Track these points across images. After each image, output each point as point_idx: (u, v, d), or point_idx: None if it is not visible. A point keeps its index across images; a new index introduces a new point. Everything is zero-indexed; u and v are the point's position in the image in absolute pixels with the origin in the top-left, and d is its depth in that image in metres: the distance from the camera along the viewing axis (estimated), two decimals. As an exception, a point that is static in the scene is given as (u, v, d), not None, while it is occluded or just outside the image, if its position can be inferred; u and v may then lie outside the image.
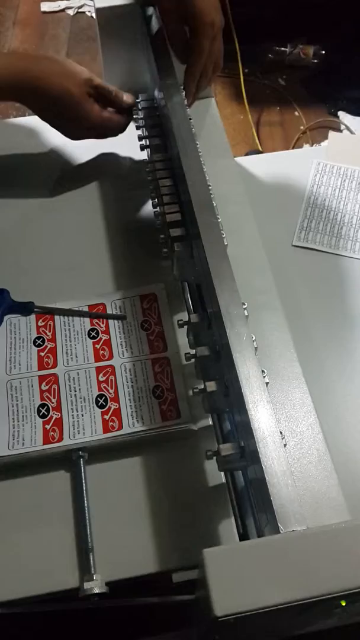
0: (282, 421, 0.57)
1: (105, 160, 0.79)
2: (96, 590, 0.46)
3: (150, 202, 0.68)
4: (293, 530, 0.37)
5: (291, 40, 1.53)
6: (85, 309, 0.62)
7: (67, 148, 0.80)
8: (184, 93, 0.64)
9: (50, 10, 1.72)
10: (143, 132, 0.66)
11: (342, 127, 1.42)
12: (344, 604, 0.38)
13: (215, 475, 0.53)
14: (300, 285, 0.71)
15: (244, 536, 0.51)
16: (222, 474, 0.53)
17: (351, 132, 1.40)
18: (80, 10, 1.71)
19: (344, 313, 0.69)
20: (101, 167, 0.78)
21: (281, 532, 0.37)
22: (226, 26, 1.31)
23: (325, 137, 1.39)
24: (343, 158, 0.85)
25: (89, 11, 1.70)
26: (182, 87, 0.65)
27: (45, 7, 1.73)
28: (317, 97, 1.49)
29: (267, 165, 0.86)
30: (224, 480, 0.53)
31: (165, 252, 0.61)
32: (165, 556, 0.49)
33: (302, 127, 1.42)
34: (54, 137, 0.81)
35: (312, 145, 1.39)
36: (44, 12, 1.72)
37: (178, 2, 0.64)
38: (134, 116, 0.70)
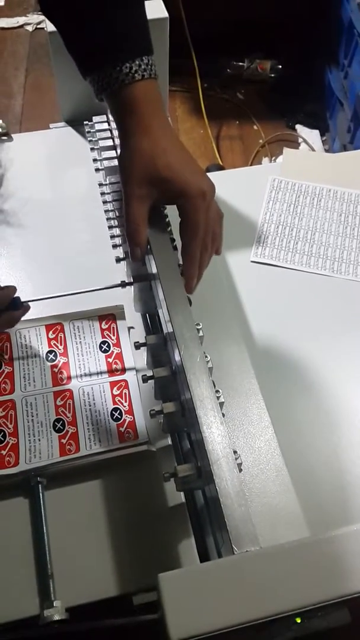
0: (240, 438, 0.58)
1: (63, 183, 0.79)
2: (56, 618, 0.46)
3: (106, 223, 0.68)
4: (247, 551, 0.38)
5: (248, 55, 1.56)
6: (43, 329, 0.62)
7: (21, 174, 0.80)
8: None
9: (9, 27, 1.72)
10: (98, 154, 0.67)
11: (300, 140, 1.44)
12: (299, 620, 0.39)
13: (175, 495, 0.53)
14: (258, 300, 0.73)
15: (204, 555, 0.51)
16: (182, 493, 0.53)
17: (308, 144, 1.43)
18: (39, 26, 1.71)
19: (301, 326, 0.70)
20: (59, 190, 0.79)
21: (235, 553, 0.38)
22: (184, 41, 1.30)
23: (285, 150, 1.42)
24: (297, 174, 0.87)
25: (48, 27, 1.70)
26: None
27: (3, 23, 1.72)
28: (275, 111, 1.51)
29: (225, 182, 0.87)
30: (183, 500, 0.53)
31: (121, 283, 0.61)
32: (125, 579, 0.49)
33: (261, 141, 1.45)
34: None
35: (271, 158, 1.41)
36: (2, 28, 1.71)
37: (160, 188, 0.52)
38: (90, 139, 0.70)
